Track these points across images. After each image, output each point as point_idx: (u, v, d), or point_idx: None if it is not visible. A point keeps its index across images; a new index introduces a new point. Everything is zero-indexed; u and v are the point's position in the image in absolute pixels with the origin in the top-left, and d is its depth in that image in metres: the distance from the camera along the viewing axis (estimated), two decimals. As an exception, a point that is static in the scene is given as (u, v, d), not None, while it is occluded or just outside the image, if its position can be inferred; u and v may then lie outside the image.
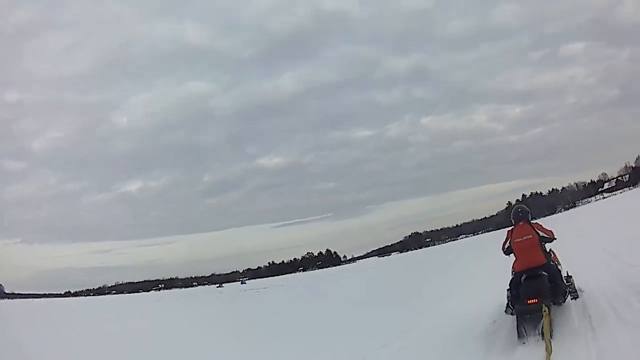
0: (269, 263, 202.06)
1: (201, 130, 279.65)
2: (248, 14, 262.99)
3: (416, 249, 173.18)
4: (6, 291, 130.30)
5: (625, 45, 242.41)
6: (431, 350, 11.14)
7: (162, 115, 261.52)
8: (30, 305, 66.08)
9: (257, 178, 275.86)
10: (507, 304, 10.81)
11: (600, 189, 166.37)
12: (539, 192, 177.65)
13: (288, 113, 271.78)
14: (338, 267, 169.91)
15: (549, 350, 8.07)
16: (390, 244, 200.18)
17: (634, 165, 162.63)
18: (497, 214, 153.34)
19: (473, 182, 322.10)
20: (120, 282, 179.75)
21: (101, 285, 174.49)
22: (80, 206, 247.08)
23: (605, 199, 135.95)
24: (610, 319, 9.34)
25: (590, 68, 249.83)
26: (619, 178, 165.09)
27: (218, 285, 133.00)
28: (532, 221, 11.26)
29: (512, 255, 11.10)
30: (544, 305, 9.31)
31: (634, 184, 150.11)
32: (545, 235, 10.89)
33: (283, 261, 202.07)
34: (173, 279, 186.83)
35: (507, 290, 10.84)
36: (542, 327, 9.06)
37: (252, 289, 68.06)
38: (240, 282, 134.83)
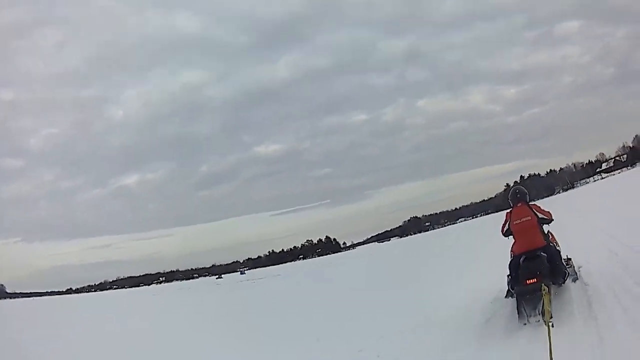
0: (268, 252, 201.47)
1: (196, 120, 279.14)
2: (240, 1, 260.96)
3: (416, 234, 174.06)
4: (7, 291, 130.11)
5: (621, 23, 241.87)
6: (432, 336, 11.15)
7: (157, 107, 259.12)
8: (31, 304, 65.59)
9: (253, 167, 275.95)
10: (508, 287, 10.86)
11: (598, 170, 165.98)
12: (537, 173, 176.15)
13: (283, 100, 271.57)
14: (338, 254, 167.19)
15: (549, 328, 7.95)
16: (389, 229, 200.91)
17: (631, 145, 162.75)
18: (495, 196, 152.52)
19: (470, 164, 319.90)
20: (121, 277, 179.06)
21: (102, 281, 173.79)
22: (77, 202, 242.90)
23: (603, 179, 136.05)
24: (609, 301, 9.36)
25: (586, 47, 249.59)
26: (617, 158, 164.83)
27: (217, 276, 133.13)
28: (530, 203, 11.25)
29: (511, 237, 11.07)
30: (543, 284, 9.21)
31: (632, 164, 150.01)
32: (544, 217, 10.86)
33: (283, 250, 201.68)
34: (174, 271, 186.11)
35: (507, 275, 10.84)
36: (542, 306, 9.02)
37: (249, 280, 68.63)
38: (239, 272, 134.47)
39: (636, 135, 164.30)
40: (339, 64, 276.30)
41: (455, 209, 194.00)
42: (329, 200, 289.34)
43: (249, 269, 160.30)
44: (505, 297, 11.10)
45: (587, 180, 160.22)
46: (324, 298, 24.37)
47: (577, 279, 11.48)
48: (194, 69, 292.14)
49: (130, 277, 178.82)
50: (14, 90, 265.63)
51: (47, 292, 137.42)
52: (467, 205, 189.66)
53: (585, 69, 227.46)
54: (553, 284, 10.08)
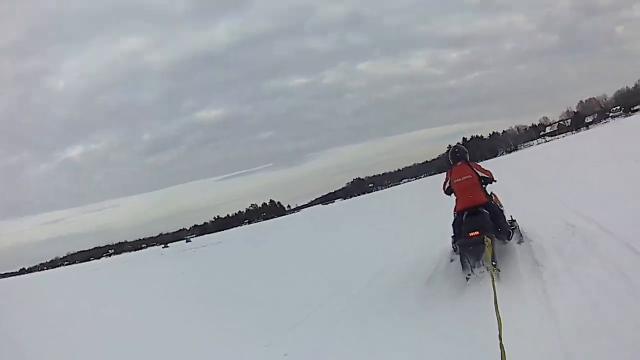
0: (214, 218, 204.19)
1: (137, 87, 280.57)
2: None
3: (359, 195, 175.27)
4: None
5: None
6: (378, 295, 11.20)
7: (98, 76, 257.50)
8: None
9: (196, 132, 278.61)
10: (452, 246, 10.93)
11: (542, 133, 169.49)
12: (479, 135, 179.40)
13: (223, 65, 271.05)
14: (283, 217, 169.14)
15: (493, 278, 8.16)
16: (333, 191, 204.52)
17: (575, 110, 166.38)
18: (438, 157, 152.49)
19: (413, 126, 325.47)
20: (72, 252, 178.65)
21: (53, 258, 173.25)
22: (23, 178, 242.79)
23: (547, 143, 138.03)
24: (555, 261, 9.46)
25: (530, 14, 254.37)
26: (561, 122, 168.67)
27: (164, 245, 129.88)
28: (470, 161, 11.15)
29: (453, 195, 11.07)
30: (485, 236, 9.38)
31: (576, 129, 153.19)
32: (485, 175, 10.89)
33: (228, 215, 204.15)
34: (122, 243, 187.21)
35: (452, 236, 10.89)
36: (486, 257, 9.16)
37: (192, 249, 67.43)
38: (185, 240, 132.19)
39: (580, 101, 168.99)
40: (278, 29, 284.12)
41: (398, 170, 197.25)
42: (271, 164, 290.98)
43: (195, 236, 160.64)
44: (450, 259, 11.29)
45: (531, 143, 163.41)
46: (259, 265, 24.15)
47: (522, 241, 11.53)
48: (134, 36, 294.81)
49: (81, 251, 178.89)
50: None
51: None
52: (410, 167, 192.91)
53: (529, 36, 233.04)
54: (496, 237, 10.11)
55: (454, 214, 10.94)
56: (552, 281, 8.43)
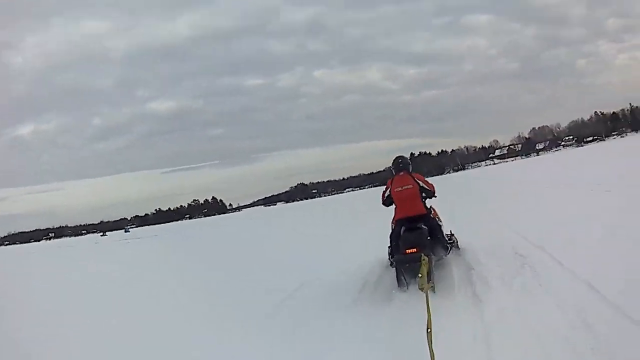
0: (155, 210, 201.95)
1: (94, 72, 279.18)
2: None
3: (302, 200, 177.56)
4: None
5: (532, 23, 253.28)
6: (308, 304, 10.38)
7: (56, 56, 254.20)
8: None
9: (147, 122, 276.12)
10: (389, 257, 10.72)
11: (491, 155, 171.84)
12: (428, 152, 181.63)
13: (181, 57, 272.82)
14: (223, 215, 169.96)
15: (428, 296, 7.65)
16: (276, 194, 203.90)
17: (527, 136, 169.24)
18: (384, 169, 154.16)
19: (363, 137, 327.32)
20: (13, 232, 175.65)
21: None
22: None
23: (495, 165, 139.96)
24: (493, 278, 9.29)
25: (493, 40, 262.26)
26: (511, 146, 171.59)
27: (102, 233, 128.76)
28: (413, 173, 10.92)
29: (391, 207, 10.89)
30: (422, 254, 9.11)
31: (526, 154, 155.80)
32: (426, 187, 10.72)
33: (170, 208, 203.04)
34: (63, 227, 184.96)
35: (388, 246, 10.74)
36: (422, 275, 8.67)
37: (126, 239, 65.53)
38: (124, 230, 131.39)
39: (533, 128, 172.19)
40: (240, 27, 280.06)
41: (344, 179, 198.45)
42: (218, 161, 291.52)
43: (136, 227, 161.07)
44: (388, 267, 10.78)
45: (479, 164, 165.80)
46: (189, 264, 22.28)
47: (460, 255, 11.38)
48: (97, 20, 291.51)
49: (22, 232, 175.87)
50: None
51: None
52: (355, 177, 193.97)
53: (490, 60, 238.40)
54: (434, 255, 10.02)
55: (392, 225, 10.77)
56: (494, 313, 7.69)
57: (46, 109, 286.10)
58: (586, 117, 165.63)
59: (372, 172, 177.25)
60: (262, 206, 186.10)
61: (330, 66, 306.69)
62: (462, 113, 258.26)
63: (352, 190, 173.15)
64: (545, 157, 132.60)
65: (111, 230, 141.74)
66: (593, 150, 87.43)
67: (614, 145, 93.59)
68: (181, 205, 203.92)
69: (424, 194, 10.74)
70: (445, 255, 10.70)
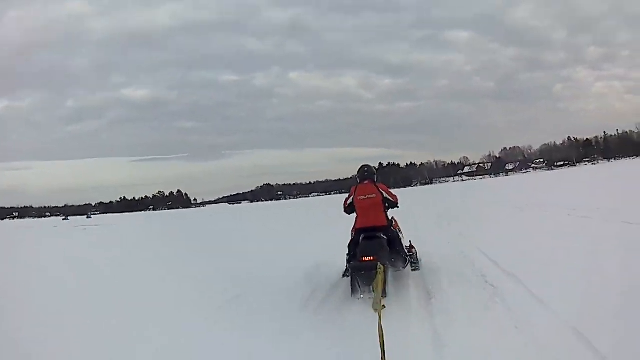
0: (120, 198, 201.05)
1: (72, 53, 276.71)
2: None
3: (267, 201, 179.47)
4: None
5: (512, 44, 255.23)
6: (258, 307, 9.84)
7: (36, 33, 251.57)
8: None
9: (119, 109, 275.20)
10: (346, 265, 10.64)
11: (460, 172, 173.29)
12: (397, 163, 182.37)
13: (159, 46, 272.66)
14: (187, 209, 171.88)
15: (379, 305, 7.45)
16: (242, 192, 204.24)
17: (498, 156, 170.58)
18: (351, 177, 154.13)
19: (334, 143, 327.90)
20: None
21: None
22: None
23: (464, 182, 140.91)
24: (448, 288, 9.50)
25: (470, 57, 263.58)
26: (481, 164, 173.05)
27: (64, 217, 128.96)
28: (377, 183, 10.81)
29: (353, 215, 10.81)
30: (379, 263, 8.90)
31: (496, 174, 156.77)
32: (389, 198, 10.63)
33: (134, 198, 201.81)
34: (28, 207, 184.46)
35: (347, 254, 10.58)
36: (377, 284, 8.61)
37: (84, 226, 63.15)
38: (87, 216, 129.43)
39: (504, 148, 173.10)
40: (220, 22, 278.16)
41: (310, 183, 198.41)
42: (187, 154, 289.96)
43: (99, 214, 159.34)
44: (343, 276, 10.80)
45: (447, 179, 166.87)
46: (137, 260, 20.45)
47: (419, 269, 11.35)
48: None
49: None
50: None
51: None
52: (322, 182, 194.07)
53: (466, 77, 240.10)
54: (391, 265, 9.95)
55: (352, 233, 10.69)
56: (441, 309, 8.23)
57: (21, 86, 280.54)
58: (559, 142, 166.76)
59: (340, 179, 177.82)
60: (227, 204, 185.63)
61: (306, 69, 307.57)
62: (434, 127, 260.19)
63: (318, 195, 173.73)
64: (514, 177, 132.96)
65: (75, 215, 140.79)
66: (566, 174, 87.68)
67: (587, 171, 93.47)
68: (146, 196, 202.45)
69: (387, 205, 10.61)
70: (403, 268, 10.62)
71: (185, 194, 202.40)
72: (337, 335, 7.58)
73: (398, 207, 10.81)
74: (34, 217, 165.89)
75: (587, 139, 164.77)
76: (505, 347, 6.41)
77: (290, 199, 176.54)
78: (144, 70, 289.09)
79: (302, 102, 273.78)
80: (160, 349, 7.46)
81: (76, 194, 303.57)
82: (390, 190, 10.79)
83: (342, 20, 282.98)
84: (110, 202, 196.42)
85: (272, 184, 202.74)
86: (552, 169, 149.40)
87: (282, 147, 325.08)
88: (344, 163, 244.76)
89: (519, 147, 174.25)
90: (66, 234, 48.52)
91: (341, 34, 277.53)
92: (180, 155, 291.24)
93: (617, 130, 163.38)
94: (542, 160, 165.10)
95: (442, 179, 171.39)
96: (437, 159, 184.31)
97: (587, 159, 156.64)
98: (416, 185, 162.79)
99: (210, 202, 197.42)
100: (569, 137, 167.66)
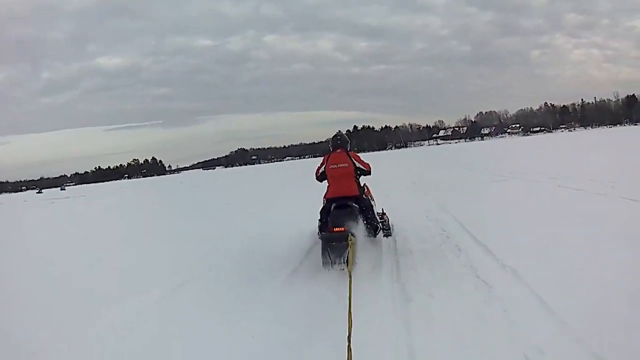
0: (95, 168, 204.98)
1: (46, 24, 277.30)
2: None
3: (241, 165, 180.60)
4: None
5: (489, 9, 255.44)
6: (228, 277, 9.83)
7: (10, 4, 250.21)
8: None
9: (94, 78, 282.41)
10: (318, 231, 10.54)
11: (435, 135, 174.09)
12: (372, 126, 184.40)
13: (132, 14, 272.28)
14: (162, 176, 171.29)
15: (351, 276, 7.60)
16: (216, 158, 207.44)
17: (473, 120, 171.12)
18: (326, 140, 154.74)
19: (308, 106, 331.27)
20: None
21: None
22: None
23: (439, 145, 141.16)
24: (417, 258, 9.54)
25: (447, 21, 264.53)
26: (456, 128, 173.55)
27: (38, 191, 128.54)
28: (350, 151, 10.78)
29: (325, 182, 10.71)
30: (350, 234, 9.07)
31: (471, 138, 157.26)
32: (362, 167, 10.55)
33: (109, 167, 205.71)
34: (4, 182, 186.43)
35: (319, 220, 10.50)
36: (347, 254, 8.73)
37: (55, 198, 64.65)
38: (60, 188, 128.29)
39: (480, 112, 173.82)
40: None
41: (284, 147, 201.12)
42: (162, 121, 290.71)
43: (75, 184, 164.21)
44: (315, 240, 10.76)
45: (422, 143, 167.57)
46: (105, 230, 20.77)
47: (391, 234, 11.62)
48: None
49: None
50: None
51: None
52: (296, 145, 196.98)
53: (442, 41, 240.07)
54: (366, 235, 10.02)
55: (324, 200, 10.62)
56: (409, 277, 8.36)
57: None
58: (535, 107, 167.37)
59: (314, 142, 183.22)
60: (201, 169, 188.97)
61: (282, 32, 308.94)
62: (409, 91, 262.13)
63: (292, 159, 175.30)
64: (491, 142, 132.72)
65: (50, 188, 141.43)
66: (543, 140, 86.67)
67: (565, 137, 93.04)
68: (121, 165, 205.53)
69: (358, 173, 10.56)
70: (374, 236, 10.56)
71: (160, 161, 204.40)
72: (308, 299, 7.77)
73: (370, 174, 10.70)
74: (9, 191, 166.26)
75: (564, 105, 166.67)
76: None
77: (264, 163, 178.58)
78: (118, 39, 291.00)
79: (277, 65, 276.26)
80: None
81: (52, 165, 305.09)
82: (362, 159, 10.67)
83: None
84: (86, 172, 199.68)
85: (246, 148, 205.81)
86: (528, 134, 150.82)
87: (257, 111, 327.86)
88: (319, 126, 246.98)
89: (494, 112, 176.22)
90: (27, 209, 47.61)
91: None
92: (154, 122, 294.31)
93: (595, 98, 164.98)
94: (518, 125, 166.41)
95: (417, 143, 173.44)
96: (412, 122, 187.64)
97: (563, 126, 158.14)
98: (391, 148, 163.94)
99: (185, 168, 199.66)
100: (546, 103, 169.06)
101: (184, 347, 6.53)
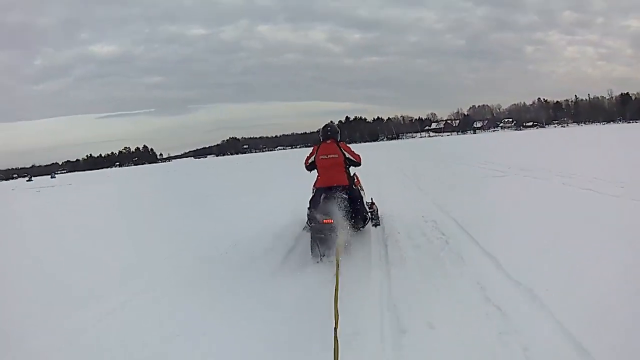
0: (87, 156, 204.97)
1: (39, 10, 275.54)
2: None
3: (233, 154, 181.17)
4: None
5: (485, 3, 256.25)
6: (219, 266, 9.76)
7: None
8: None
9: (87, 65, 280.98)
10: (307, 221, 10.38)
11: (427, 127, 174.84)
12: (364, 117, 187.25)
13: (125, 2, 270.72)
14: (153, 164, 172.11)
15: (338, 270, 7.58)
16: (207, 146, 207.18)
17: (466, 113, 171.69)
18: (317, 131, 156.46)
19: (300, 97, 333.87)
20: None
21: None
22: None
23: (431, 138, 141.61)
24: (405, 245, 9.62)
25: (441, 14, 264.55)
26: (449, 121, 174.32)
27: (28, 178, 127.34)
28: (340, 142, 10.86)
29: (314, 172, 10.83)
30: (338, 226, 9.09)
31: (463, 131, 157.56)
32: (352, 158, 10.61)
33: (101, 155, 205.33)
34: None
35: (308, 208, 10.37)
36: (336, 247, 8.69)
37: (42, 187, 63.34)
38: (51, 176, 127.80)
39: (473, 106, 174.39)
40: None
41: (276, 136, 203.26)
42: (154, 109, 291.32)
43: (66, 172, 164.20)
44: (303, 229, 10.94)
45: (414, 135, 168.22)
46: (74, 223, 19.52)
47: (379, 224, 11.64)
48: None
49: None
50: None
51: None
52: (288, 135, 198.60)
53: (436, 34, 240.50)
54: (353, 227, 9.97)
55: (313, 189, 10.73)
56: (397, 266, 8.35)
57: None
58: (529, 102, 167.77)
59: (306, 132, 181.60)
60: (193, 157, 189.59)
61: (275, 22, 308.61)
62: (401, 83, 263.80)
63: (284, 149, 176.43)
64: (484, 135, 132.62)
65: (40, 175, 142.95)
66: (536, 135, 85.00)
67: (559, 133, 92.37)
68: (112, 152, 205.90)
69: (348, 164, 10.60)
70: (363, 227, 10.76)
71: (151, 149, 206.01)
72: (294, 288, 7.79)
73: (361, 164, 10.77)
74: (1, 179, 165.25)
75: (557, 101, 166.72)
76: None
77: (256, 152, 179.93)
78: (110, 26, 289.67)
79: (269, 55, 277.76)
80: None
81: (43, 153, 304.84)
82: (352, 150, 10.74)
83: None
84: (77, 160, 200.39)
85: (238, 137, 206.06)
86: (521, 129, 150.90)
87: (249, 100, 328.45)
88: (311, 116, 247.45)
89: (487, 106, 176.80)
90: (17, 198, 45.89)
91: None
92: (146, 111, 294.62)
93: (589, 95, 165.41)
94: (510, 119, 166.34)
95: (408, 134, 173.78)
96: (404, 114, 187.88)
97: (556, 121, 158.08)
98: (383, 139, 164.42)
99: (176, 157, 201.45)
100: (539, 98, 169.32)
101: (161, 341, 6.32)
